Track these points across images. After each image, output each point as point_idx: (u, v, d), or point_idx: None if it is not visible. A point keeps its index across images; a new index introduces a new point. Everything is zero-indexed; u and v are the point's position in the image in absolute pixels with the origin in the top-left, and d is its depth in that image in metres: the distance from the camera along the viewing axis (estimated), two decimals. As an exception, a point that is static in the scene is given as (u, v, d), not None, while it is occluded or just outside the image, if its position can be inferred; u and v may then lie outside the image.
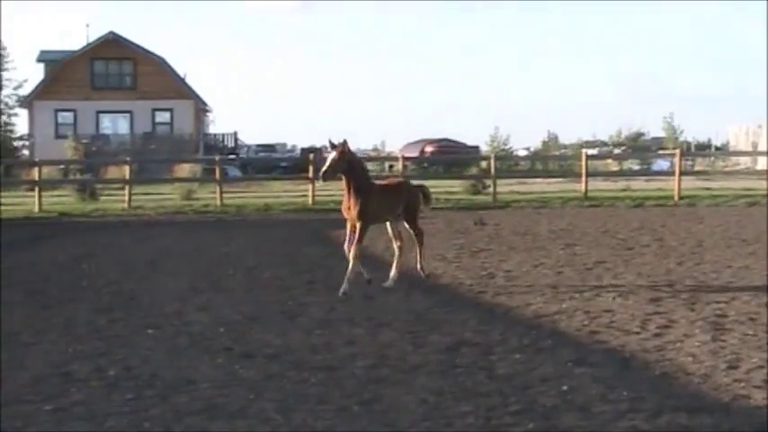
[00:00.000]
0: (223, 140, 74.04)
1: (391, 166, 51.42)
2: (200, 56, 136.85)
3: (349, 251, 14.30)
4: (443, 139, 69.79)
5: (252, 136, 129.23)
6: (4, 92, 69.53)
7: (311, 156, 42.01)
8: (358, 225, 14.24)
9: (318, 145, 79.20)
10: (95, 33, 68.82)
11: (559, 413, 8.02)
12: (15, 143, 70.38)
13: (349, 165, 14.10)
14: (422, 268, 15.21)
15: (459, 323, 11.87)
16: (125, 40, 66.54)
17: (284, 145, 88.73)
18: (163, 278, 16.15)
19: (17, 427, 7.76)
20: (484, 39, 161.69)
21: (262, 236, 23.67)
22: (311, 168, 35.71)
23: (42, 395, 8.72)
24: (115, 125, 66.64)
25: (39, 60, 69.22)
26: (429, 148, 66.04)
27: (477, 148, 69.65)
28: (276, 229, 25.90)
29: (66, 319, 12.49)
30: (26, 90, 68.03)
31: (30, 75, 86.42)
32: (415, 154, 60.87)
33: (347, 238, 14.47)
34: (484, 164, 46.91)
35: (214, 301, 13.71)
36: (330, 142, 14.22)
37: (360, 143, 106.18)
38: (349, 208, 14.27)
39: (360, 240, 14.30)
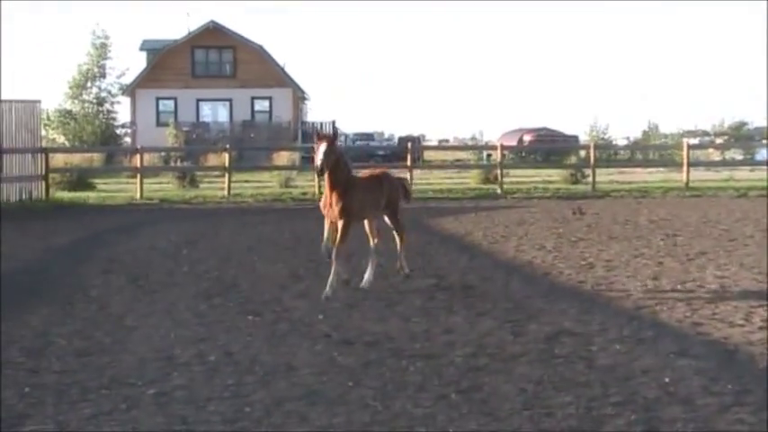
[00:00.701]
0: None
1: (489, 155, 51.24)
2: (298, 44, 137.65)
3: (331, 251, 13.10)
4: (542, 128, 69.32)
5: (350, 124, 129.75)
6: (107, 80, 70.52)
7: (409, 144, 42.02)
8: (340, 223, 13.05)
9: (416, 134, 79.27)
10: (196, 22, 69.60)
11: (662, 405, 7.91)
12: (118, 131, 71.42)
13: (336, 157, 12.98)
14: (401, 267, 14.19)
15: (558, 312, 11.78)
16: (225, 28, 67.15)
17: (382, 134, 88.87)
18: (262, 265, 16.27)
19: (122, 410, 7.89)
20: (582, 28, 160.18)
21: (360, 223, 23.69)
22: (409, 157, 35.83)
23: (145, 379, 8.85)
24: (215, 113, 67.25)
25: (141, 49, 70.21)
26: (527, 137, 65.63)
27: (575, 137, 69.04)
28: (374, 217, 25.89)
29: (168, 304, 12.65)
30: (128, 78, 68.97)
31: (132, 63, 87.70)
32: (513, 143, 60.56)
33: (327, 236, 13.25)
34: (583, 153, 46.55)
35: (313, 287, 13.75)
36: (317, 132, 13.42)
37: (457, 132, 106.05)
38: (331, 204, 13.10)
39: (343, 239, 13.06)
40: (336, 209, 13.03)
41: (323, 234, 13.32)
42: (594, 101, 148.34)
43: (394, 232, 14.28)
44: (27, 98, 32.88)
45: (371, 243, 14.12)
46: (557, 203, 29.81)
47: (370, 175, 14.40)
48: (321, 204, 13.47)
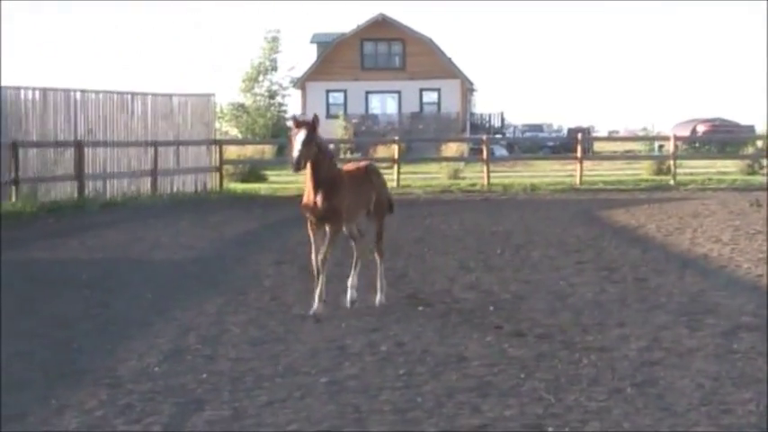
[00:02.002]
0: (489, 120, 74.26)
1: (661, 146, 50.33)
2: (466, 36, 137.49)
3: (318, 261, 11.43)
4: (716, 118, 67.68)
5: (518, 116, 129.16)
6: (278, 73, 71.62)
7: (579, 135, 41.55)
8: (329, 226, 11.36)
9: (585, 125, 78.34)
10: (366, 15, 70.19)
11: None
12: (289, 123, 72.48)
13: (317, 148, 11.04)
14: (380, 295, 11.98)
15: (736, 307, 11.48)
16: (394, 21, 67.55)
17: (551, 125, 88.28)
18: (432, 256, 16.27)
19: (296, 398, 7.98)
20: (757, 17, 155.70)
21: (529, 215, 23.56)
22: (579, 148, 35.40)
23: (318, 368, 8.94)
24: (383, 105, 67.76)
25: (311, 42, 71.22)
26: (701, 128, 64.11)
27: (752, 127, 67.16)
28: (543, 208, 25.73)
29: (339, 294, 12.72)
30: (299, 72, 69.96)
31: (302, 57, 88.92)
32: (686, 133, 59.25)
33: (314, 246, 11.56)
34: (760, 143, 45.34)
35: (483, 279, 13.72)
36: (295, 119, 11.31)
37: (628, 123, 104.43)
38: (315, 204, 11.21)
39: (332, 246, 11.49)
40: (323, 210, 11.23)
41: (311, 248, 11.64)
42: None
43: (373, 245, 12.36)
44: (201, 92, 33.73)
45: (355, 245, 12.28)
46: (732, 195, 29.06)
47: (357, 167, 12.30)
48: (303, 203, 11.51)
